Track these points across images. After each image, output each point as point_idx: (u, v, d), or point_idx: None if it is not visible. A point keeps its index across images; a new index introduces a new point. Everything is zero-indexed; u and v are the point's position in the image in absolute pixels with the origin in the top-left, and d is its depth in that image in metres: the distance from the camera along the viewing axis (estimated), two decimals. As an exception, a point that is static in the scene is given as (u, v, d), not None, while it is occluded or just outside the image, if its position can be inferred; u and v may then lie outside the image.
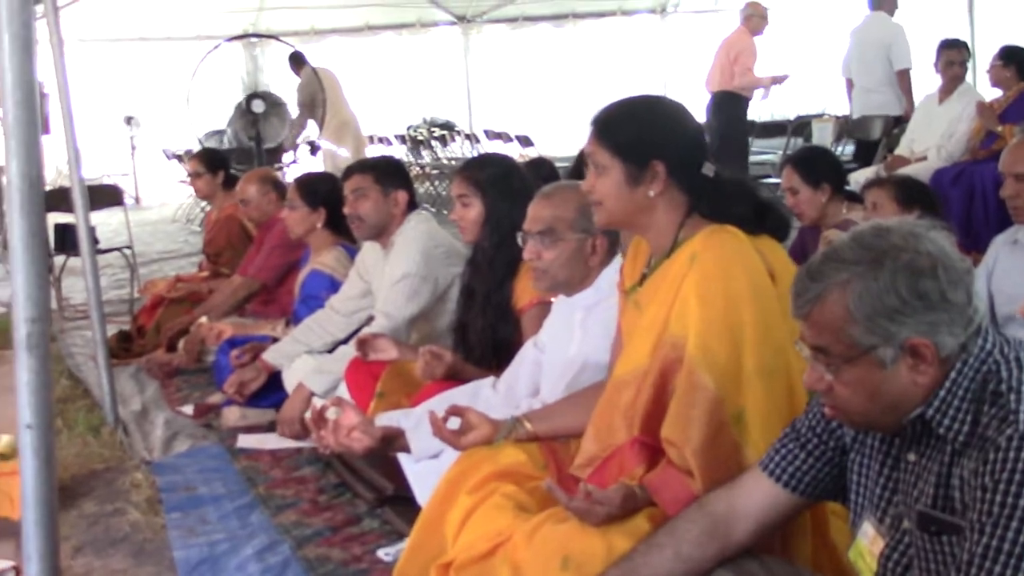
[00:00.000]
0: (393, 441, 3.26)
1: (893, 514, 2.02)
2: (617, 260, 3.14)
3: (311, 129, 12.34)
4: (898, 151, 8.08)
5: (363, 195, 4.58)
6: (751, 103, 10.61)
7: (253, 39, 16.06)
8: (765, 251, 2.58)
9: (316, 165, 11.93)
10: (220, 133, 10.85)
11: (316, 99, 11.56)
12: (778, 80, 10.43)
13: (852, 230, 1.97)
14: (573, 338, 3.22)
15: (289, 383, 4.81)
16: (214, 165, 7.29)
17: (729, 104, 10.27)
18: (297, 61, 12.00)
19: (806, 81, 19.15)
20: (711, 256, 2.51)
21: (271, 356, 4.97)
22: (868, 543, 2.05)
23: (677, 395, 2.46)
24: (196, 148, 12.69)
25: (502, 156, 4.38)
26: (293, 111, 11.14)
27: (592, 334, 3.15)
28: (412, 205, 4.66)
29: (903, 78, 9.00)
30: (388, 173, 4.63)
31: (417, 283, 4.41)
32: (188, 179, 7.68)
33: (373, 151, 14.53)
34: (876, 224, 1.95)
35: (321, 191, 5.36)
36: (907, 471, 1.99)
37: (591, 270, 3.24)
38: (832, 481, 2.18)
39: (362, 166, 4.82)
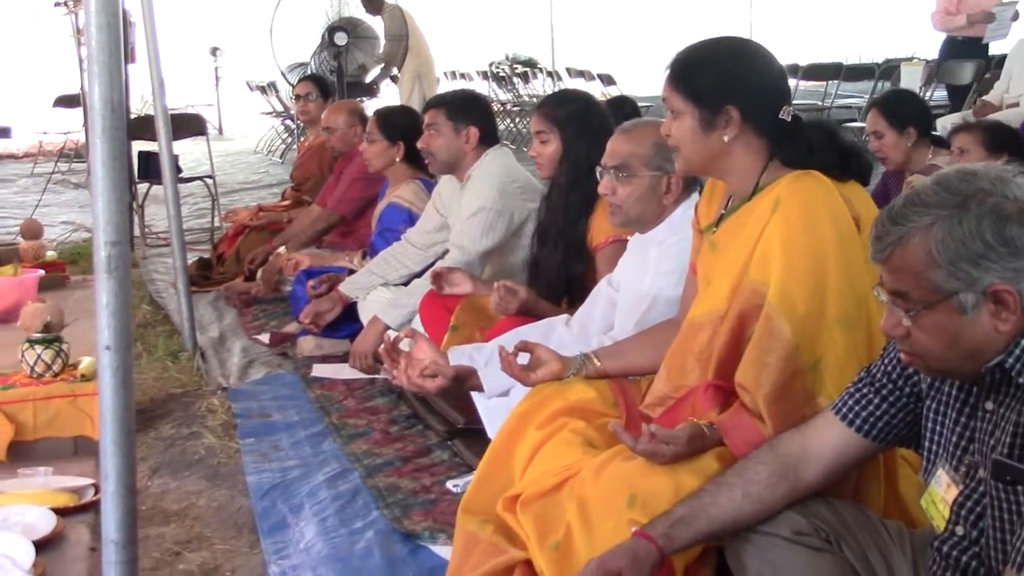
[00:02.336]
0: (465, 380, 3.26)
1: (968, 463, 1.98)
2: (693, 198, 3.11)
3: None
4: (989, 97, 7.88)
5: (435, 130, 4.58)
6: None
7: (338, -30, 16.02)
8: (851, 197, 2.53)
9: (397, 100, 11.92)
10: (303, 66, 10.86)
11: (396, 37, 11.53)
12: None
13: (937, 174, 1.93)
14: (646, 274, 3.21)
15: (364, 315, 4.85)
16: (326, 91, 7.34)
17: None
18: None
19: (895, 22, 18.78)
20: (796, 202, 2.47)
21: (347, 287, 5.00)
22: (942, 491, 2.03)
23: (753, 341, 2.43)
24: (279, 80, 12.77)
25: (581, 92, 4.33)
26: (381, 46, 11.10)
27: (663, 269, 3.14)
28: (490, 140, 4.63)
29: None
30: (460, 108, 4.61)
31: (492, 217, 4.40)
32: (296, 100, 7.72)
33: (454, 87, 14.47)
34: (962, 168, 1.90)
35: (400, 125, 5.36)
36: (984, 420, 1.95)
37: (665, 208, 3.21)
38: (905, 428, 2.15)
39: (437, 101, 4.82)
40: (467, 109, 4.62)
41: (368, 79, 11.62)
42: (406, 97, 11.94)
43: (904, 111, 5.00)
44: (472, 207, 4.44)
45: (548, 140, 3.90)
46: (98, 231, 2.22)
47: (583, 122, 3.86)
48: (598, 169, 3.27)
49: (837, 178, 2.55)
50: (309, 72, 9.62)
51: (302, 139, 8.18)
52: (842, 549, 2.16)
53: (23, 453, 3.72)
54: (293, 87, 8.36)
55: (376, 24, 11.53)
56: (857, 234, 2.45)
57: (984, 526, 1.93)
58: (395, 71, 12.25)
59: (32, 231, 6.86)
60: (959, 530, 1.99)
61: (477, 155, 4.58)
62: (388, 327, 4.55)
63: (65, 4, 8.85)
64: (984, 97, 7.93)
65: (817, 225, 2.44)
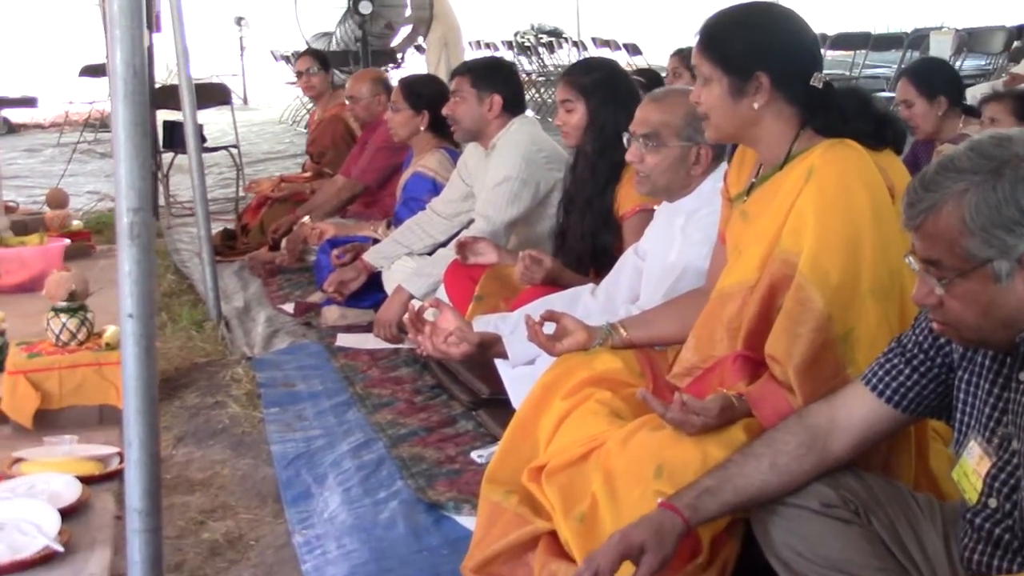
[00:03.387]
0: (490, 347, 3.25)
1: (1002, 434, 1.95)
2: (722, 167, 3.07)
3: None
4: (1018, 69, 7.78)
5: (460, 97, 4.56)
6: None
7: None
8: (885, 167, 2.49)
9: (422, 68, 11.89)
10: (328, 35, 10.85)
11: (423, 3, 11.49)
12: None
13: (970, 139, 1.89)
14: (674, 244, 3.18)
15: (389, 284, 4.84)
16: (326, 63, 7.31)
17: None
18: None
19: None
20: (831, 171, 2.43)
21: (371, 257, 4.99)
22: (974, 463, 2.00)
23: (784, 311, 2.40)
24: (304, 49, 12.75)
25: (607, 60, 4.31)
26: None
27: (692, 240, 3.11)
28: (516, 108, 4.60)
29: None
30: (484, 76, 4.58)
31: (517, 186, 4.38)
32: (297, 77, 7.71)
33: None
34: (996, 133, 1.85)
35: (425, 94, 5.33)
36: (1018, 391, 1.92)
37: (693, 179, 3.18)
38: (937, 399, 2.12)
39: (463, 68, 4.80)
40: (491, 77, 4.59)
41: (395, 42, 11.59)
42: (433, 65, 11.91)
43: (934, 80, 4.94)
44: (498, 176, 4.42)
45: (574, 108, 3.86)
46: (120, 198, 2.20)
47: (609, 90, 3.82)
48: (626, 136, 3.24)
49: (871, 147, 2.50)
50: (333, 42, 9.61)
51: (311, 112, 8.16)
52: (871, 521, 2.14)
53: (49, 421, 3.73)
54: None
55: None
56: (892, 204, 2.41)
57: (1018, 499, 1.91)
58: (421, 39, 12.22)
59: (58, 200, 6.88)
60: (992, 502, 1.96)
61: (502, 123, 4.54)
62: (412, 296, 4.53)
63: (91, -27, 8.85)
64: (1014, 69, 7.84)
65: (852, 195, 2.40)
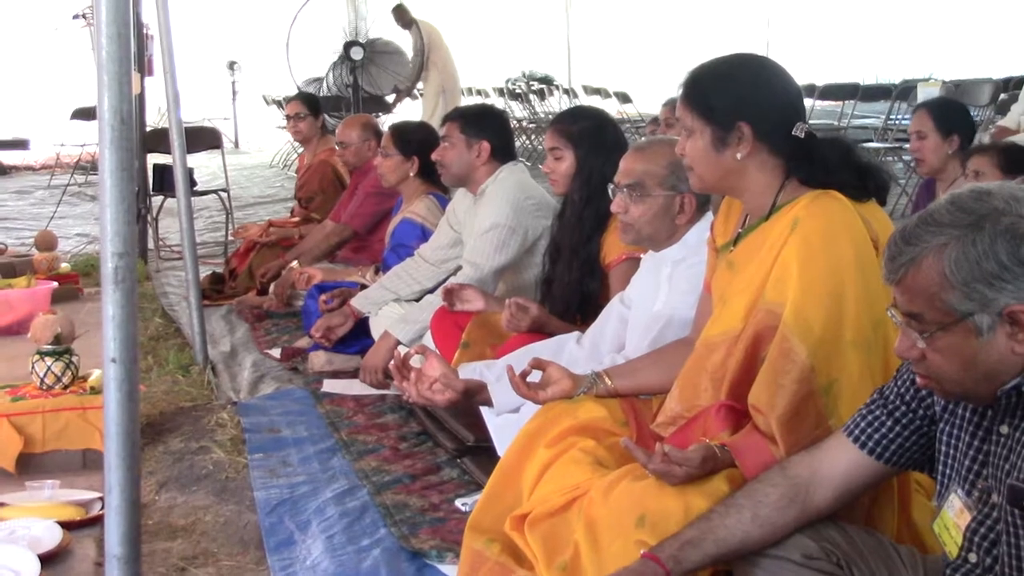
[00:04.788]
0: (475, 394, 3.25)
1: (982, 487, 1.95)
2: (708, 217, 3.09)
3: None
4: (1005, 121, 7.84)
5: (449, 143, 4.59)
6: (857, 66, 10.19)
7: (357, -13, 16.12)
8: (870, 218, 2.50)
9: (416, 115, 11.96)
10: (319, 81, 10.91)
11: (418, 52, 11.59)
12: None
13: (950, 193, 1.90)
14: (659, 293, 3.18)
15: (376, 330, 4.83)
16: (316, 108, 7.34)
17: None
18: (401, 13, 11.99)
19: (913, 42, 18.74)
20: (815, 223, 2.44)
21: (359, 302, 4.99)
22: (954, 516, 1.99)
23: (768, 362, 2.41)
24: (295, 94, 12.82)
25: (595, 109, 4.32)
26: (402, 61, 11.15)
27: (678, 289, 3.11)
28: (505, 155, 4.62)
29: None
30: (474, 123, 4.60)
31: (506, 234, 4.39)
32: (287, 122, 7.74)
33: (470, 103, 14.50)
34: (976, 187, 1.87)
35: (414, 140, 5.36)
36: (999, 444, 1.92)
37: (678, 228, 3.19)
38: (919, 451, 2.12)
39: (453, 114, 4.82)
40: (481, 123, 4.62)
41: (391, 99, 11.70)
42: (430, 112, 11.99)
43: (952, 118, 5.03)
44: (486, 224, 4.43)
45: (562, 156, 3.88)
46: (105, 242, 2.21)
47: (597, 139, 3.84)
48: (611, 187, 3.25)
49: (855, 197, 2.52)
50: (324, 88, 9.66)
51: (300, 156, 8.19)
52: (853, 574, 2.13)
53: (32, 465, 3.72)
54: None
55: (406, 38, 11.59)
56: (876, 256, 2.42)
57: (998, 553, 1.90)
58: (419, 85, 12.31)
59: (47, 243, 6.88)
60: (972, 557, 1.95)
61: (490, 170, 4.56)
62: (399, 342, 4.53)
63: (84, 17, 8.90)
64: (1001, 122, 7.89)
65: (836, 246, 2.41)
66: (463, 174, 4.61)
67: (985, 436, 1.95)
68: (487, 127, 4.61)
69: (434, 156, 4.68)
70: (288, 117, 7.54)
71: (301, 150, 14.48)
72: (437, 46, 12.34)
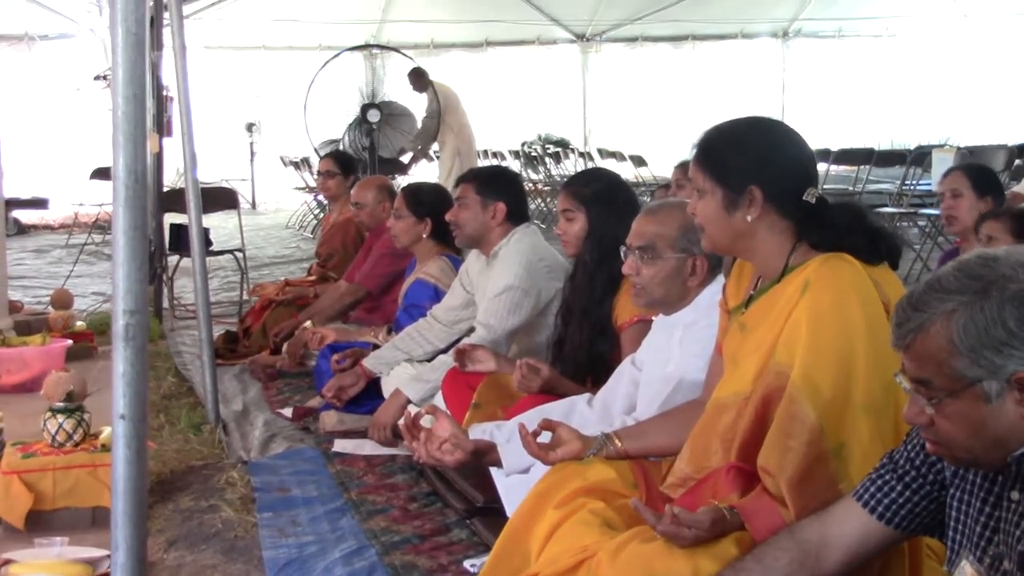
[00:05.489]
0: (485, 455, 3.24)
1: (993, 554, 1.94)
2: (719, 280, 3.09)
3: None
4: (1018, 188, 7.85)
5: (464, 204, 4.61)
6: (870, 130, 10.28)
7: (374, 51, 16.28)
8: (881, 282, 2.50)
9: (433, 177, 12.03)
10: (335, 142, 10.99)
11: (434, 114, 11.69)
12: None
13: (957, 259, 1.90)
14: (671, 356, 3.18)
15: (387, 390, 4.83)
16: (347, 168, 7.40)
17: None
18: (418, 76, 12.08)
19: (928, 109, 18.81)
20: (825, 285, 2.45)
21: (371, 363, 4.99)
22: (966, 583, 1.98)
23: (776, 424, 2.40)
24: (312, 156, 12.91)
25: (608, 171, 4.35)
26: (412, 123, 11.24)
27: (689, 352, 3.11)
28: (519, 217, 4.64)
29: None
30: (489, 184, 4.63)
31: (519, 296, 4.40)
32: (317, 178, 7.81)
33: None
34: (983, 253, 1.87)
35: (428, 202, 5.39)
36: (1010, 510, 1.91)
37: (690, 290, 3.20)
38: (929, 516, 2.10)
39: (468, 175, 4.85)
40: (496, 185, 4.65)
41: (405, 160, 11.77)
42: (445, 174, 12.06)
43: (988, 180, 5.17)
44: (499, 286, 4.44)
45: (574, 218, 3.90)
46: (117, 300, 2.23)
47: (609, 201, 3.86)
48: (623, 249, 3.27)
49: (867, 261, 2.52)
50: (340, 149, 9.73)
51: (327, 215, 8.25)
52: (863, 640, 2.11)
53: (41, 523, 3.71)
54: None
55: (420, 102, 11.68)
56: (887, 319, 2.41)
57: (1009, 619, 1.88)
58: (435, 147, 12.39)
59: (62, 301, 6.92)
60: (984, 623, 1.93)
61: (504, 231, 4.59)
62: (410, 401, 4.54)
63: (105, 78, 9.00)
64: (1015, 188, 7.91)
65: (846, 309, 2.41)
66: (477, 235, 4.64)
67: (996, 502, 1.94)
68: (503, 189, 4.64)
69: (448, 217, 4.71)
70: (319, 173, 7.61)
71: (318, 211, 14.67)
72: (453, 108, 12.45)
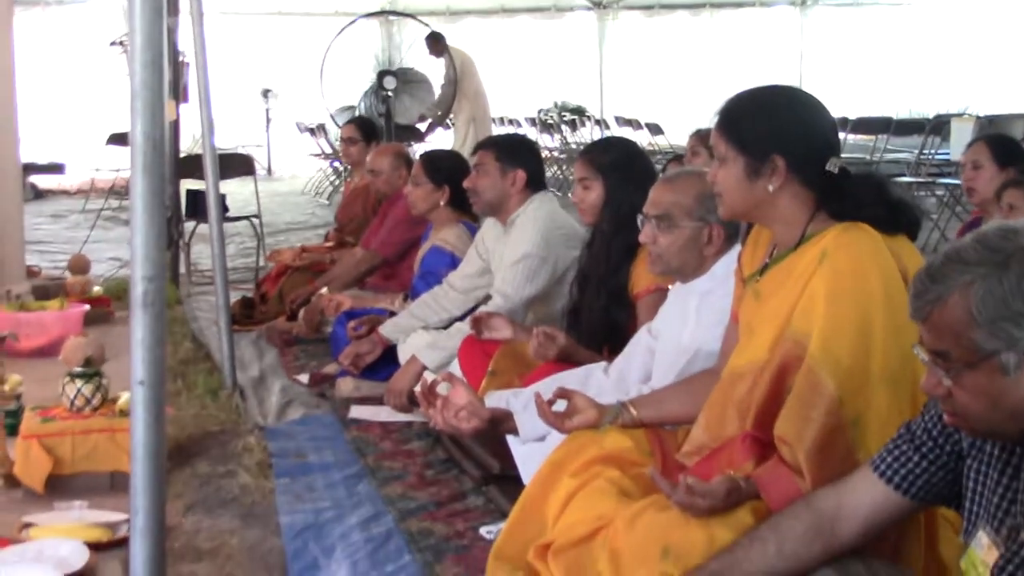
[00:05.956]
0: (501, 423, 3.26)
1: (1010, 525, 1.94)
2: (736, 248, 3.09)
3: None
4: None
5: (483, 171, 4.61)
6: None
7: (390, 17, 16.23)
8: (900, 252, 2.50)
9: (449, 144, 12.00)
10: (351, 109, 10.97)
11: (451, 81, 11.64)
12: None
13: (977, 231, 1.89)
14: (687, 325, 3.18)
15: (403, 357, 4.85)
16: (369, 135, 7.40)
17: None
18: (435, 41, 12.03)
19: (947, 77, 18.67)
20: (844, 255, 2.44)
21: (387, 330, 5.00)
22: (982, 553, 1.98)
23: (794, 393, 2.40)
24: (328, 123, 12.89)
25: (625, 140, 4.35)
26: (435, 90, 11.21)
27: (705, 322, 3.11)
28: (537, 185, 4.64)
29: None
30: (509, 151, 4.63)
31: (536, 264, 4.40)
32: (340, 143, 7.81)
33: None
34: (1003, 225, 1.86)
35: (445, 169, 5.38)
36: (1027, 481, 1.91)
37: (706, 259, 3.19)
38: (946, 486, 2.10)
39: (487, 142, 4.85)
40: (516, 153, 4.64)
41: (424, 127, 11.74)
42: (460, 141, 12.03)
43: (1010, 151, 5.11)
44: (516, 254, 4.44)
45: (591, 186, 3.89)
46: (135, 266, 2.23)
47: (626, 169, 3.85)
48: (639, 218, 3.26)
49: (885, 231, 2.52)
50: (356, 115, 9.72)
51: (347, 181, 8.25)
52: (878, 609, 2.12)
53: (60, 487, 3.73)
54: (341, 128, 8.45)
55: (437, 69, 11.63)
56: (905, 289, 2.41)
57: (1025, 590, 1.88)
58: (451, 115, 12.35)
59: (79, 266, 6.93)
60: (1000, 593, 1.94)
61: (522, 199, 4.58)
62: (426, 368, 4.55)
63: (121, 44, 8.99)
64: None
65: (864, 278, 2.41)
66: (496, 202, 4.63)
67: (1014, 473, 1.94)
68: (523, 157, 4.63)
69: (466, 184, 4.71)
70: (341, 140, 7.61)
71: (333, 178, 14.67)
72: (469, 75, 12.38)
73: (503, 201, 4.62)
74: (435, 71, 11.76)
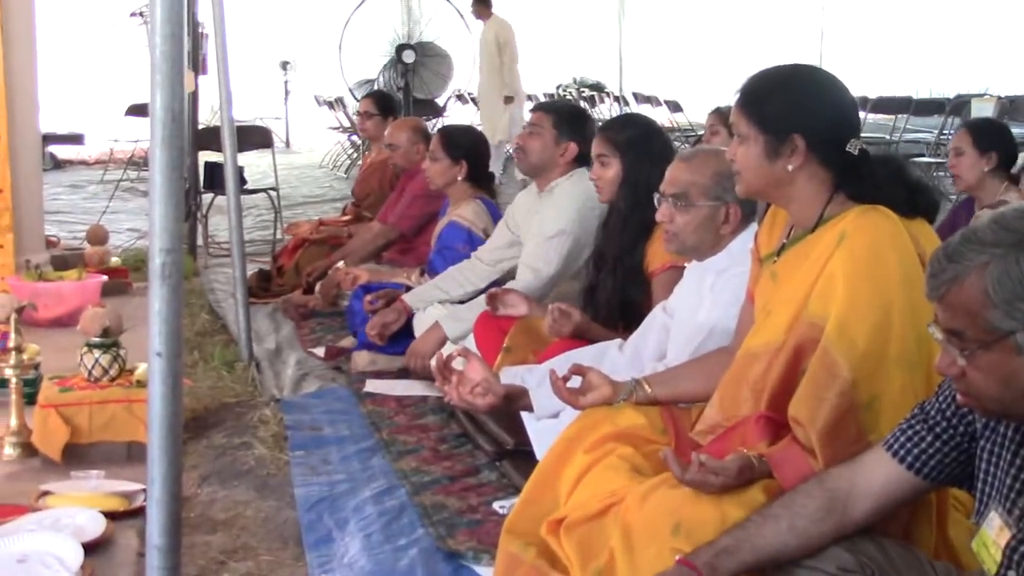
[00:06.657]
0: (516, 399, 3.27)
1: (1022, 506, 1.94)
2: (752, 227, 3.08)
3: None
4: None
5: (536, 133, 4.59)
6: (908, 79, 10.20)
7: (410, -10, 16.18)
8: (918, 235, 2.49)
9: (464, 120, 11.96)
10: (370, 82, 10.99)
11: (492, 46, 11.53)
12: None
13: (995, 211, 1.89)
14: (703, 303, 3.18)
15: (419, 330, 4.86)
16: (386, 109, 7.39)
17: None
18: (482, 5, 11.80)
19: (968, 57, 18.57)
20: (862, 237, 2.43)
21: (411, 299, 5.02)
22: (994, 534, 1.98)
23: (809, 375, 2.40)
24: (347, 96, 12.86)
25: (644, 117, 4.32)
26: (457, 62, 11.12)
27: (721, 301, 3.11)
28: (582, 161, 4.61)
29: None
30: (568, 121, 4.60)
31: (570, 242, 4.41)
32: (357, 118, 7.80)
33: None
34: (1020, 206, 1.86)
35: (463, 144, 5.38)
36: (1040, 463, 1.91)
37: (722, 238, 3.19)
38: (959, 467, 2.11)
39: (547, 106, 4.84)
40: (575, 124, 4.61)
41: (441, 100, 11.70)
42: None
43: (991, 136, 5.11)
44: (551, 229, 4.44)
45: (608, 163, 3.89)
46: (153, 238, 2.24)
47: (645, 147, 3.84)
48: (656, 196, 3.26)
49: (904, 214, 2.51)
50: (375, 89, 9.71)
51: (366, 154, 8.25)
52: (889, 588, 2.12)
53: (78, 456, 3.76)
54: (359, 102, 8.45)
55: (458, 44, 11.55)
56: (923, 273, 2.39)
57: (1037, 572, 1.89)
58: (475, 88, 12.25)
59: (98, 237, 6.96)
60: (1011, 575, 1.94)
61: (565, 170, 4.57)
62: (446, 338, 4.57)
63: (140, 15, 9.00)
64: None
65: (883, 262, 2.40)
66: (541, 165, 4.61)
67: (1027, 455, 1.94)
68: (579, 130, 4.59)
69: (517, 140, 4.69)
70: (359, 113, 7.61)
71: (351, 151, 14.66)
72: (508, 45, 12.16)
73: (548, 168, 4.60)
74: (455, 46, 11.70)
